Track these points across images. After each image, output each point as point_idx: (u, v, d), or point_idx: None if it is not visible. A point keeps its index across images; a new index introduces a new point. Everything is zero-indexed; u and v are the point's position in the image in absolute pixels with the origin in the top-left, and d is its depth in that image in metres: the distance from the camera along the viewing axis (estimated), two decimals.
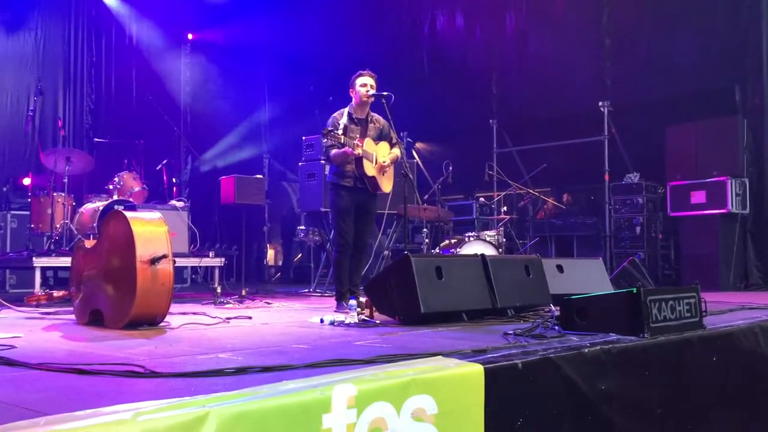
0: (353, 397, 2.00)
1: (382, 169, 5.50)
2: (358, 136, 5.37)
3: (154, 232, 4.01)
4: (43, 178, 8.15)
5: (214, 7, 11.79)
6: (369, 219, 5.61)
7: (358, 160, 5.33)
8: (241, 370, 2.40)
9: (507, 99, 10.69)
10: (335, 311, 5.12)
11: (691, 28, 8.82)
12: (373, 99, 5.47)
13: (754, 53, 8.40)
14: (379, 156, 5.49)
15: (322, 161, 7.94)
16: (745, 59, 8.48)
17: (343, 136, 5.21)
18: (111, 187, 8.00)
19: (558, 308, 3.76)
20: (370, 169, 5.38)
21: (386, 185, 5.62)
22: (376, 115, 5.64)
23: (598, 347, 2.98)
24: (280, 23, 11.69)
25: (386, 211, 7.36)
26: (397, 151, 5.63)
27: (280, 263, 12.33)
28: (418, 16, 11.76)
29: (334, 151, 5.34)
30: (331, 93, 10.03)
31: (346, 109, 5.51)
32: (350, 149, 5.22)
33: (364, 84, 5.44)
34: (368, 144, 5.39)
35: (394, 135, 5.69)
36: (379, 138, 5.56)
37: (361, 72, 5.53)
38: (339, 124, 5.30)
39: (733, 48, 8.55)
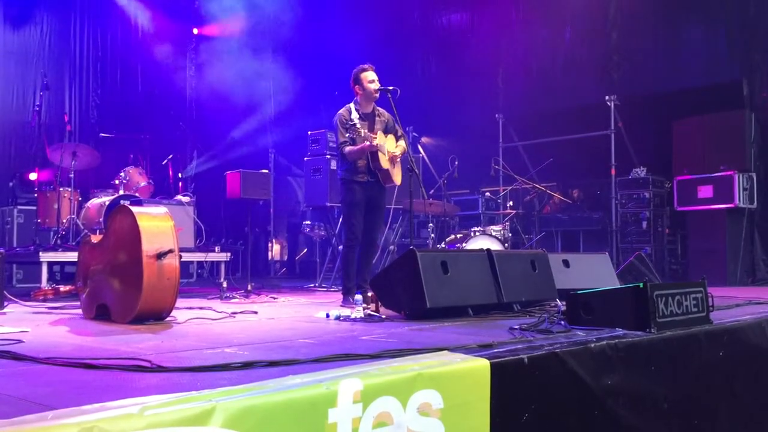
0: (359, 391, 2.00)
1: (393, 161, 5.51)
2: (366, 130, 5.37)
3: (161, 227, 4.02)
4: (49, 173, 8.18)
5: (220, 1, 11.77)
6: (380, 213, 5.62)
7: (374, 154, 5.34)
8: (247, 365, 2.40)
9: (513, 93, 10.66)
10: (341, 306, 5.13)
11: (699, 21, 8.79)
12: (378, 96, 5.47)
13: (762, 47, 8.37)
14: (389, 148, 5.50)
15: (327, 156, 7.94)
16: (753, 53, 8.44)
17: (363, 130, 5.23)
18: (117, 182, 8.02)
19: (564, 303, 3.75)
20: (384, 161, 5.40)
21: (397, 177, 5.65)
22: (380, 109, 5.65)
23: (605, 342, 2.97)
24: (286, 18, 11.66)
25: (392, 206, 7.37)
26: (403, 144, 5.64)
27: (286, 258, 12.34)
28: (425, 10, 11.73)
29: (348, 148, 5.34)
30: (336, 88, 10.01)
31: (352, 105, 5.50)
32: (368, 143, 5.22)
33: (372, 80, 5.44)
34: (379, 137, 5.41)
35: (399, 128, 5.69)
36: (385, 131, 5.58)
37: (364, 66, 5.51)
38: (352, 120, 5.28)
39: (741, 42, 8.52)
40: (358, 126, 5.23)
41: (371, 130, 5.44)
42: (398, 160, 5.62)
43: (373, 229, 5.58)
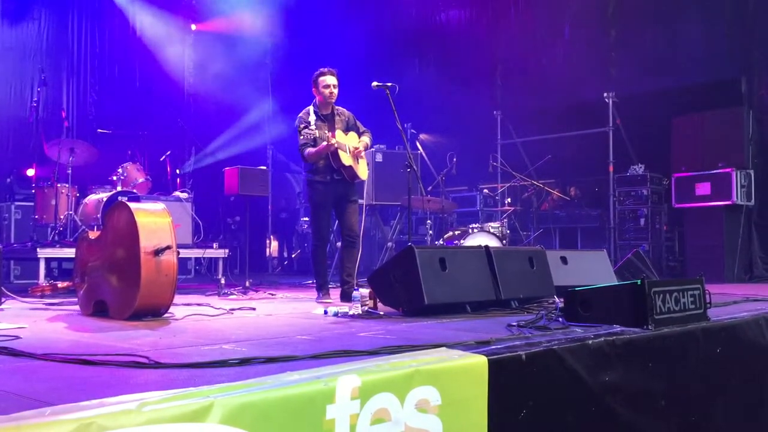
0: (357, 388, 2.00)
1: (356, 157, 5.55)
2: (326, 131, 5.44)
3: (158, 223, 4.01)
4: (47, 169, 8.15)
5: None
6: (352, 206, 5.69)
7: (334, 153, 5.41)
8: (245, 361, 2.40)
9: (511, 90, 10.65)
10: (317, 301, 5.31)
11: (698, 18, 8.78)
12: (335, 99, 5.57)
13: (761, 44, 8.36)
14: (351, 145, 5.56)
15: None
16: (752, 50, 8.44)
17: (317, 131, 5.30)
18: (115, 178, 8.00)
19: (562, 300, 3.75)
20: (346, 159, 5.47)
21: (363, 173, 5.70)
22: (340, 108, 5.74)
23: (602, 339, 2.98)
24: (283, 14, 11.65)
25: (386, 203, 7.38)
26: (366, 139, 5.71)
27: (284, 254, 12.33)
28: (423, 7, 11.72)
29: (308, 150, 5.44)
30: None
31: (311, 108, 5.59)
32: (325, 144, 5.28)
33: (327, 85, 5.53)
34: (339, 135, 5.50)
35: (360, 125, 5.75)
36: (346, 130, 5.67)
37: (322, 70, 5.59)
38: (309, 122, 5.35)
39: (740, 39, 8.52)
40: (311, 128, 5.29)
41: (331, 129, 5.53)
42: (362, 155, 5.70)
43: (349, 223, 5.63)
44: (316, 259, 5.69)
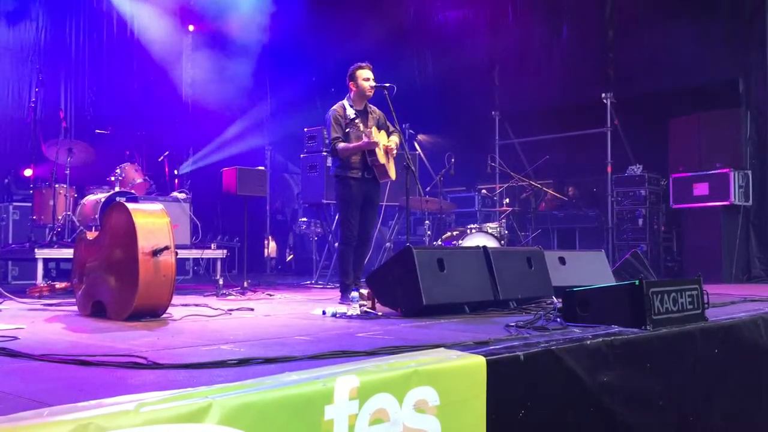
0: (355, 388, 2.00)
1: (389, 155, 5.52)
2: (361, 127, 5.39)
3: (156, 223, 4.01)
4: (44, 169, 8.13)
5: None
6: (374, 210, 5.66)
7: (370, 150, 5.34)
8: (243, 362, 2.40)
9: (509, 90, 10.66)
10: (340, 303, 5.13)
11: (695, 19, 8.79)
12: (372, 93, 5.51)
13: (758, 45, 8.37)
14: (383, 143, 5.52)
15: (324, 153, 7.94)
16: (749, 51, 8.45)
17: (362, 125, 5.24)
18: (113, 178, 7.99)
19: (560, 300, 3.76)
20: (381, 156, 5.41)
21: (393, 172, 5.66)
22: (372, 106, 5.68)
23: (600, 339, 2.98)
24: (281, 14, 11.65)
25: (385, 203, 7.39)
26: (396, 139, 5.67)
27: (283, 255, 12.32)
28: (421, 7, 11.72)
29: (342, 144, 5.36)
30: (333, 84, 10.01)
31: (345, 102, 5.52)
32: (367, 140, 5.24)
33: (367, 78, 5.47)
34: (374, 133, 5.42)
35: (390, 125, 5.71)
36: (377, 128, 5.60)
37: (360, 64, 5.53)
38: (349, 117, 5.30)
39: (737, 40, 8.52)
40: (357, 122, 5.24)
41: (365, 126, 5.45)
42: (393, 154, 5.64)
43: (367, 225, 5.60)
44: (343, 257, 5.50)
